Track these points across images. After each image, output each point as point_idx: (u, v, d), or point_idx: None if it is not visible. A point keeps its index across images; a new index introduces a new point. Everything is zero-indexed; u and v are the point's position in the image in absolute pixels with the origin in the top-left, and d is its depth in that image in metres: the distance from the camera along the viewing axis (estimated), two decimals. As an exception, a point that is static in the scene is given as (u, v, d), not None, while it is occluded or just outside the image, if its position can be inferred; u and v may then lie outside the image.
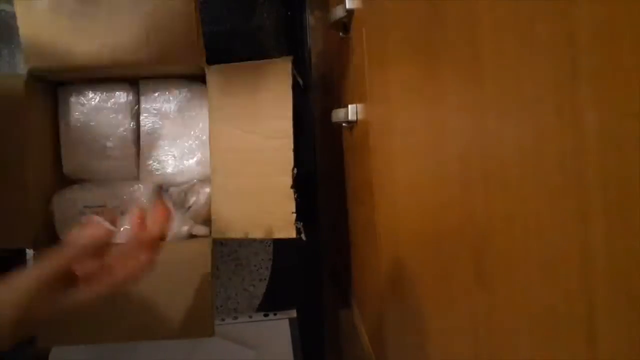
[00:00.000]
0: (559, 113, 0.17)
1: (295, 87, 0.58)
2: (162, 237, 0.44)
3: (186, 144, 0.66)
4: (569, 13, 0.16)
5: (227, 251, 0.79)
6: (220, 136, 0.60)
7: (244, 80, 0.59)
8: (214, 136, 0.61)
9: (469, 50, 0.25)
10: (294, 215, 0.57)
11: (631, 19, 0.14)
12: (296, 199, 0.57)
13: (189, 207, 0.65)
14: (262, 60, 0.59)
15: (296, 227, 0.57)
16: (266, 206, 0.58)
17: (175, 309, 0.60)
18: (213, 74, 0.60)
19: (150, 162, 0.66)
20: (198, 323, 0.60)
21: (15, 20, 0.59)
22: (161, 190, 0.66)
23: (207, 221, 0.64)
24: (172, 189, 0.66)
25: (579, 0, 0.16)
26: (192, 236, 0.65)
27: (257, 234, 0.60)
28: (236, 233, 0.60)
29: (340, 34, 0.65)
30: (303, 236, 0.57)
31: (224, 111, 0.60)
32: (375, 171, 0.51)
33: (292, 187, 0.57)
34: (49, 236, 0.63)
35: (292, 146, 0.57)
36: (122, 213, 0.61)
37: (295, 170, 0.57)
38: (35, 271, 0.41)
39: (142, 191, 0.63)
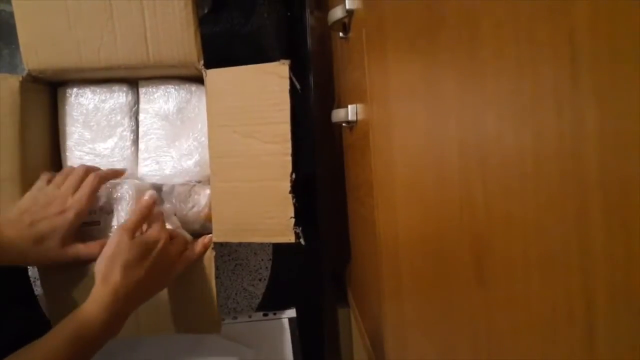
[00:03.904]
0: (559, 113, 0.17)
1: (293, 91, 0.58)
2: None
3: (185, 145, 0.66)
4: (568, 13, 0.16)
5: (227, 251, 0.79)
6: (219, 140, 0.60)
7: (242, 84, 0.59)
8: (213, 140, 0.60)
9: (469, 50, 0.25)
10: (293, 220, 0.57)
11: (631, 18, 0.14)
12: (295, 204, 0.57)
13: (191, 209, 0.65)
14: (260, 64, 0.58)
15: (295, 231, 0.57)
16: (265, 211, 0.58)
17: (179, 307, 0.61)
18: (211, 78, 0.60)
19: (149, 162, 0.66)
20: (202, 322, 0.61)
21: (15, 20, 0.59)
22: (161, 192, 0.66)
23: (208, 221, 0.64)
24: (171, 191, 0.66)
25: None
26: (197, 235, 0.65)
27: (256, 238, 0.60)
28: (235, 237, 0.61)
29: (340, 34, 0.65)
30: (302, 241, 0.57)
31: (222, 115, 0.60)
32: (375, 171, 0.51)
33: (290, 192, 0.57)
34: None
35: (290, 151, 0.57)
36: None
37: (293, 176, 0.57)
38: None
39: (140, 193, 0.63)
